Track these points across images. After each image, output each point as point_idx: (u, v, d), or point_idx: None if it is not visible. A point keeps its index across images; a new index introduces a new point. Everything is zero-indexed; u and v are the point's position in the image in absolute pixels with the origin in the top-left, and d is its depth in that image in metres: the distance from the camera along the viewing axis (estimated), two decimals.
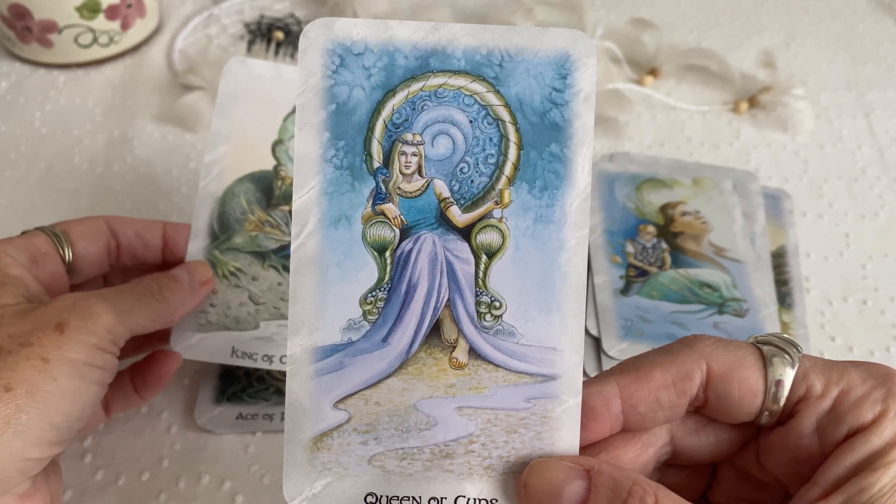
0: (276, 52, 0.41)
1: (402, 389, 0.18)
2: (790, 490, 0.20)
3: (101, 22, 0.44)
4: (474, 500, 0.17)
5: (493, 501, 0.18)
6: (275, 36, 0.49)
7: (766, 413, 0.19)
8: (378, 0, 0.49)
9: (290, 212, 0.25)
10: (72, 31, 0.43)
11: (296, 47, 0.48)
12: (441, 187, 0.17)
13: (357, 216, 0.17)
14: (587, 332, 0.31)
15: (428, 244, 0.17)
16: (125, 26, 0.45)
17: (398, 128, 0.17)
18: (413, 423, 0.18)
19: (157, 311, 0.25)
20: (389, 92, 0.17)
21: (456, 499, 0.17)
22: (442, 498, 0.18)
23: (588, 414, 0.19)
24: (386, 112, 0.17)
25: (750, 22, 0.53)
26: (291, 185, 0.25)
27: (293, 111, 0.26)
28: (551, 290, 0.18)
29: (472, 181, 0.17)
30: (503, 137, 0.17)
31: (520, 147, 0.17)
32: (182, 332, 0.27)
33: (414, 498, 0.18)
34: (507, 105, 0.17)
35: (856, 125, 0.45)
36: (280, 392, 0.30)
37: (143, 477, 0.28)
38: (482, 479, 0.18)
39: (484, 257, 0.18)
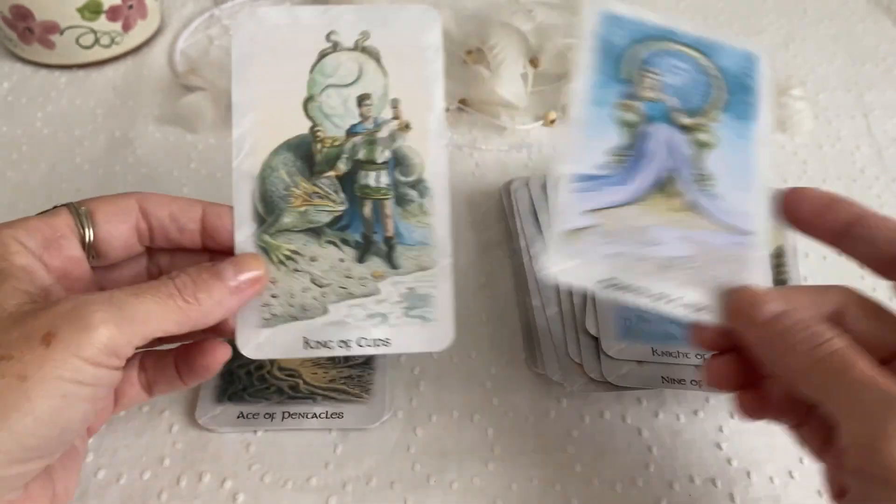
0: None
1: (638, 214, 0.24)
2: None
3: (102, 23, 0.44)
4: (692, 302, 0.23)
5: (704, 307, 0.24)
6: None
7: None
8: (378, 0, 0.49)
9: (337, 178, 0.24)
10: (73, 32, 0.44)
11: None
12: (672, 100, 0.26)
13: (611, 102, 0.25)
14: (587, 332, 0.31)
15: (662, 131, 0.25)
16: (127, 27, 0.45)
17: (645, 63, 0.26)
18: (646, 238, 0.24)
19: (185, 315, 0.22)
20: (642, 44, 0.26)
21: (676, 298, 0.22)
22: (665, 294, 0.24)
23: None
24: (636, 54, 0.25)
25: (749, 23, 0.53)
26: (332, 146, 0.24)
27: (319, 59, 0.24)
28: (747, 176, 0.26)
29: (694, 103, 0.26)
30: (714, 84, 0.26)
31: (727, 92, 0.26)
32: (247, 331, 0.24)
33: (644, 288, 0.24)
34: (717, 67, 0.26)
35: (854, 125, 0.45)
36: (281, 391, 0.30)
37: (145, 476, 0.28)
38: (696, 289, 0.24)
39: (699, 148, 0.25)
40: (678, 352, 0.30)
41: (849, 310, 0.23)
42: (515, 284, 0.35)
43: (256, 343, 0.24)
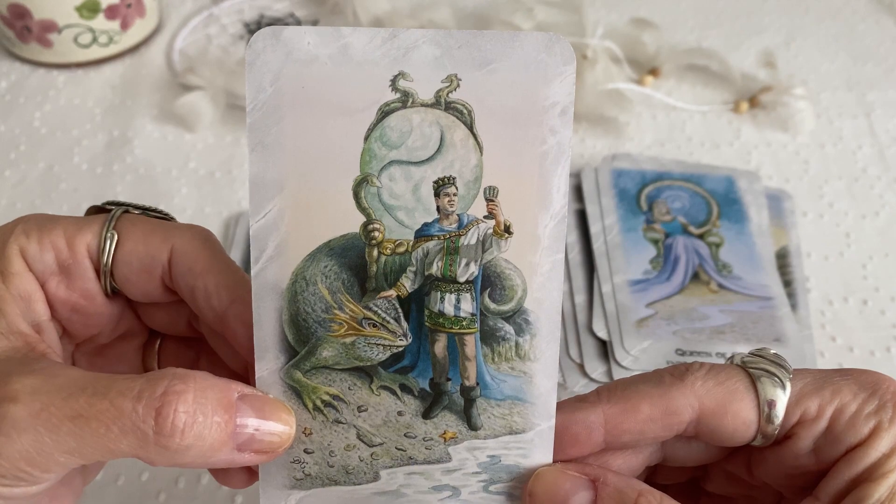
0: None
1: (684, 300, 0.33)
2: (785, 495, 0.20)
3: (100, 22, 0.44)
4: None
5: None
6: None
7: (761, 436, 0.19)
8: (378, 0, 0.49)
9: (399, 299, 0.17)
10: (71, 30, 0.43)
11: None
12: (682, 219, 0.36)
13: (638, 228, 0.35)
14: (596, 335, 0.31)
15: (681, 240, 0.35)
16: (125, 26, 0.45)
17: (654, 197, 0.38)
18: (695, 316, 0.32)
19: (147, 456, 0.16)
20: (648, 185, 0.38)
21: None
22: (722, 352, 0.31)
23: (569, 441, 0.18)
24: None
25: (750, 22, 0.53)
26: (395, 252, 0.16)
27: (380, 119, 0.16)
28: (754, 259, 0.35)
29: (698, 217, 0.36)
30: (708, 202, 0.38)
31: (718, 206, 0.38)
32: (271, 492, 0.18)
33: (706, 352, 0.30)
34: (706, 191, 0.38)
35: (856, 125, 0.45)
36: None
37: (143, 477, 0.28)
38: (744, 345, 0.31)
39: (712, 247, 0.35)
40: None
41: (668, 442, 0.20)
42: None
43: None
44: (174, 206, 0.38)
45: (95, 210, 0.20)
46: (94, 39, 0.44)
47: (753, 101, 0.45)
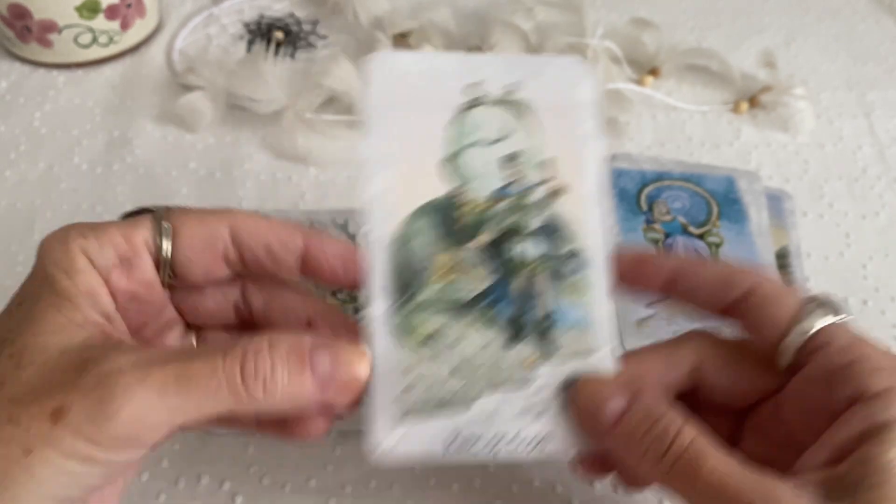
0: (276, 52, 0.41)
1: None
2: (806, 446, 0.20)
3: (100, 22, 0.44)
4: None
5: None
6: (274, 36, 0.49)
7: (790, 346, 0.20)
8: (379, 0, 0.49)
9: (481, 248, 0.21)
10: (71, 30, 0.43)
11: (295, 47, 0.48)
12: (682, 219, 0.36)
13: (638, 228, 0.34)
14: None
15: (681, 240, 0.35)
16: (125, 26, 0.45)
17: (654, 197, 0.38)
18: (695, 316, 0.24)
19: (242, 405, 0.18)
20: (648, 185, 0.38)
21: None
22: None
23: (636, 266, 0.23)
24: None
25: (750, 22, 0.53)
26: (475, 212, 0.21)
27: (460, 113, 0.21)
28: (754, 258, 0.35)
29: (698, 218, 0.36)
30: (708, 202, 0.37)
31: (718, 206, 0.37)
32: (376, 429, 0.20)
33: None
34: (706, 191, 0.38)
35: (856, 125, 0.45)
36: None
37: (143, 478, 0.28)
38: None
39: (713, 247, 0.35)
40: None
41: (706, 362, 0.22)
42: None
43: (388, 447, 0.20)
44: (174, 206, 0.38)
45: (128, 215, 0.22)
46: (95, 39, 0.44)
47: (753, 101, 0.46)
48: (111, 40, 0.45)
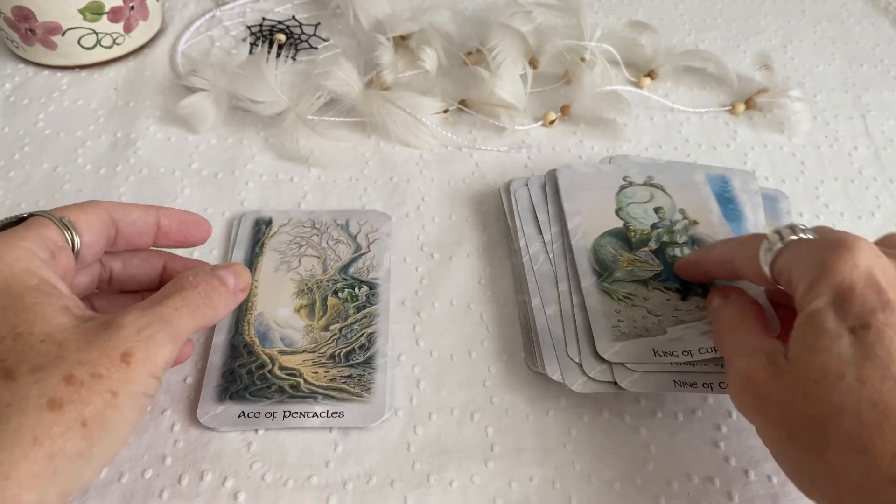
0: (278, 55, 0.42)
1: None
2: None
3: (104, 24, 0.44)
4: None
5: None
6: (276, 38, 0.49)
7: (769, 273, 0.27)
8: (379, 2, 0.49)
9: (651, 251, 0.34)
10: (75, 33, 0.44)
11: (297, 49, 0.49)
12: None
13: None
14: (588, 331, 0.31)
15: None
16: (128, 28, 0.45)
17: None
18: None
19: (207, 320, 0.26)
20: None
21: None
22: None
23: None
24: None
25: (747, 24, 0.54)
26: (642, 234, 0.35)
27: (621, 189, 0.37)
28: None
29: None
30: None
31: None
32: (600, 347, 0.31)
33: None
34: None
35: (852, 126, 0.45)
36: (282, 391, 0.30)
37: (146, 475, 0.28)
38: None
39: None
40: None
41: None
42: (515, 284, 0.35)
43: (613, 351, 0.30)
44: (177, 207, 0.38)
45: (6, 224, 0.26)
46: (98, 41, 0.45)
47: (750, 103, 0.46)
48: (114, 42, 0.45)
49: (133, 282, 0.30)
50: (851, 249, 0.24)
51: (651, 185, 0.37)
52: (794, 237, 0.26)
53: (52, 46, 0.44)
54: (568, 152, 0.43)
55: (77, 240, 0.26)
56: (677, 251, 0.34)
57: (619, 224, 0.36)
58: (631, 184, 0.37)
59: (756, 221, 0.36)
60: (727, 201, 0.37)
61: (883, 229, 0.39)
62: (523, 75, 0.44)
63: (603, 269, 0.34)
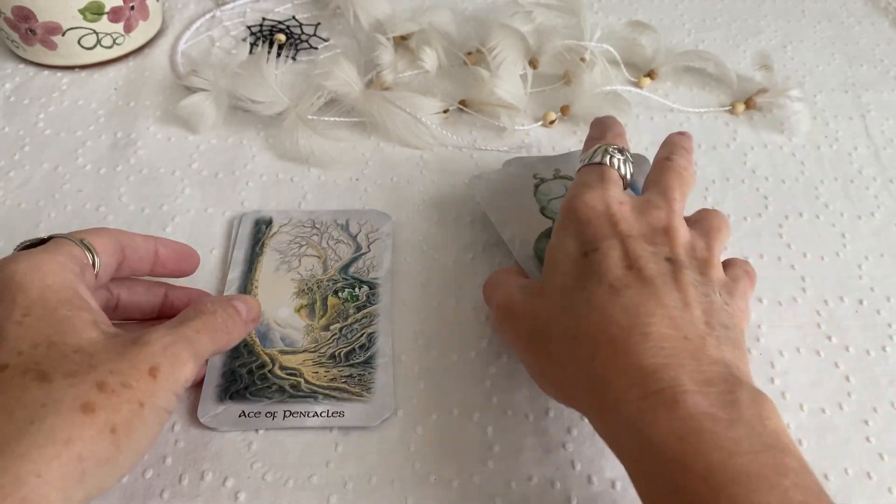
0: (278, 55, 0.42)
1: None
2: None
3: (104, 24, 0.44)
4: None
5: None
6: (276, 38, 0.49)
7: None
8: (379, 2, 0.49)
9: None
10: (75, 33, 0.44)
11: (297, 49, 0.49)
12: None
13: None
14: None
15: None
16: (128, 28, 0.46)
17: None
18: None
19: (222, 344, 0.27)
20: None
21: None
22: None
23: None
24: None
25: (747, 24, 0.54)
26: None
27: (536, 188, 0.37)
28: None
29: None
30: None
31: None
32: None
33: None
34: None
35: (852, 126, 0.46)
36: (282, 390, 0.30)
37: (147, 475, 0.28)
38: None
39: None
40: None
41: None
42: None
43: None
44: (177, 207, 0.39)
45: (30, 245, 0.27)
46: (98, 42, 0.45)
47: (750, 103, 0.46)
48: (115, 42, 0.45)
49: (137, 309, 0.31)
50: (593, 188, 0.28)
51: (561, 177, 0.37)
52: (587, 161, 0.30)
53: (52, 46, 0.44)
54: (568, 153, 0.43)
55: (97, 260, 0.27)
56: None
57: (548, 223, 0.35)
58: (543, 180, 0.37)
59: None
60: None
61: (883, 229, 0.39)
62: (523, 75, 0.44)
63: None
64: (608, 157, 0.30)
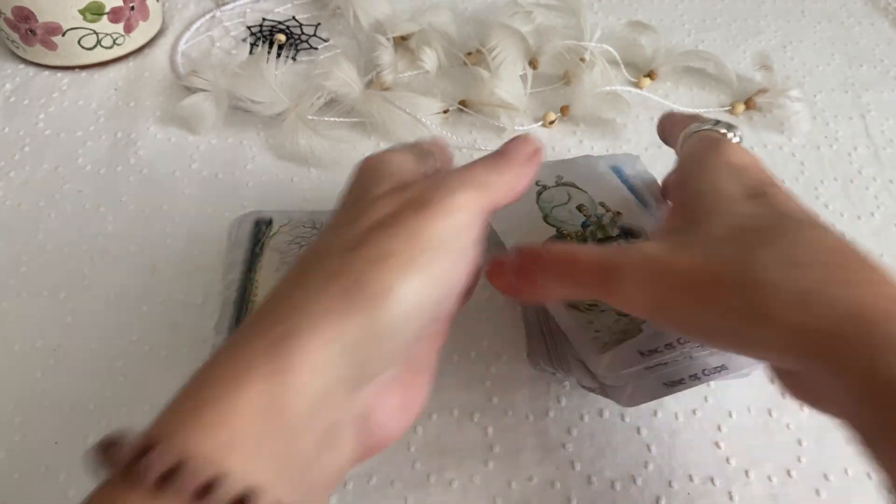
0: (278, 55, 0.42)
1: None
2: None
3: (104, 24, 0.44)
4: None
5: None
6: (276, 39, 0.49)
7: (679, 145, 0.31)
8: (379, 3, 0.49)
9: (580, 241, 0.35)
10: (75, 33, 0.44)
11: (297, 50, 0.49)
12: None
13: None
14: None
15: None
16: (128, 29, 0.46)
17: None
18: None
19: (520, 184, 0.25)
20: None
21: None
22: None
23: None
24: None
25: (747, 24, 0.54)
26: (578, 236, 0.35)
27: (538, 196, 0.36)
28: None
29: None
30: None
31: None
32: (594, 358, 0.29)
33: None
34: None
35: (852, 126, 0.46)
36: None
37: None
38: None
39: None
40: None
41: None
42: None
43: (605, 364, 0.29)
44: (178, 207, 0.39)
45: None
46: (98, 42, 0.45)
47: (749, 104, 0.46)
48: (115, 43, 0.45)
49: None
50: (734, 147, 0.27)
51: (563, 184, 0.36)
52: (704, 127, 0.29)
53: (52, 47, 0.44)
54: (568, 153, 0.43)
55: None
56: (614, 244, 0.34)
57: (551, 231, 0.34)
58: (545, 188, 0.36)
59: (657, 205, 0.36)
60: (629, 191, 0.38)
61: (883, 229, 0.39)
62: (523, 75, 0.44)
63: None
64: (725, 127, 0.29)
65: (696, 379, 0.29)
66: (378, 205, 0.22)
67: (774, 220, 0.23)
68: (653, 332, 0.30)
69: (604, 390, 0.29)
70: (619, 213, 0.35)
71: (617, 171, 0.37)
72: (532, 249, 0.25)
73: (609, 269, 0.23)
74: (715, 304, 0.21)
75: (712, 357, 0.29)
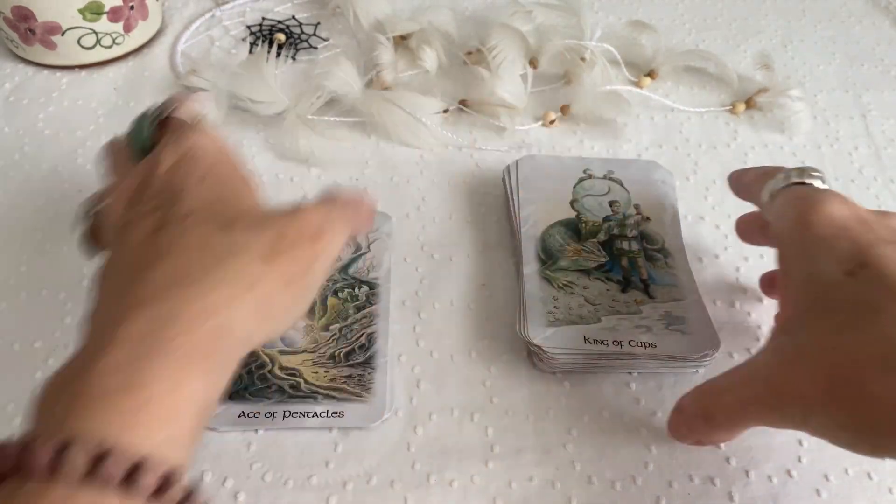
0: (278, 54, 0.42)
1: None
2: None
3: (104, 24, 0.44)
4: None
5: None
6: (276, 38, 0.49)
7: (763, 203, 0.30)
8: (378, 2, 0.49)
9: (599, 242, 0.35)
10: (75, 32, 0.44)
11: (297, 49, 0.49)
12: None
13: None
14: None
15: None
16: (128, 28, 0.45)
17: None
18: None
19: (354, 227, 0.27)
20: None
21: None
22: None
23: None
24: None
25: (747, 24, 0.54)
26: (593, 226, 0.36)
27: (579, 181, 0.38)
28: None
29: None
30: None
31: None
32: (538, 328, 0.31)
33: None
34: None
35: (852, 126, 0.45)
36: (282, 391, 0.30)
37: None
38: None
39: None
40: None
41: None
42: (514, 254, 0.36)
43: (544, 335, 0.31)
44: None
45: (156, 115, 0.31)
46: (98, 41, 0.45)
47: (750, 103, 0.46)
48: (114, 42, 0.45)
49: None
50: (826, 202, 0.26)
51: (610, 178, 0.38)
52: (796, 181, 0.28)
53: (51, 46, 0.44)
54: (568, 152, 0.43)
55: None
56: (625, 244, 0.35)
57: (571, 215, 0.36)
58: (591, 176, 0.38)
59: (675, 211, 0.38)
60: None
61: None
62: (523, 75, 0.44)
63: (548, 257, 0.35)
64: (807, 175, 0.28)
65: (627, 373, 0.32)
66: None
67: (875, 303, 0.22)
68: (610, 326, 0.32)
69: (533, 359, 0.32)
70: (647, 218, 0.37)
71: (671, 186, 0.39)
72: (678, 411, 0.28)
73: (729, 412, 0.26)
74: (830, 418, 0.23)
75: (652, 362, 0.31)
